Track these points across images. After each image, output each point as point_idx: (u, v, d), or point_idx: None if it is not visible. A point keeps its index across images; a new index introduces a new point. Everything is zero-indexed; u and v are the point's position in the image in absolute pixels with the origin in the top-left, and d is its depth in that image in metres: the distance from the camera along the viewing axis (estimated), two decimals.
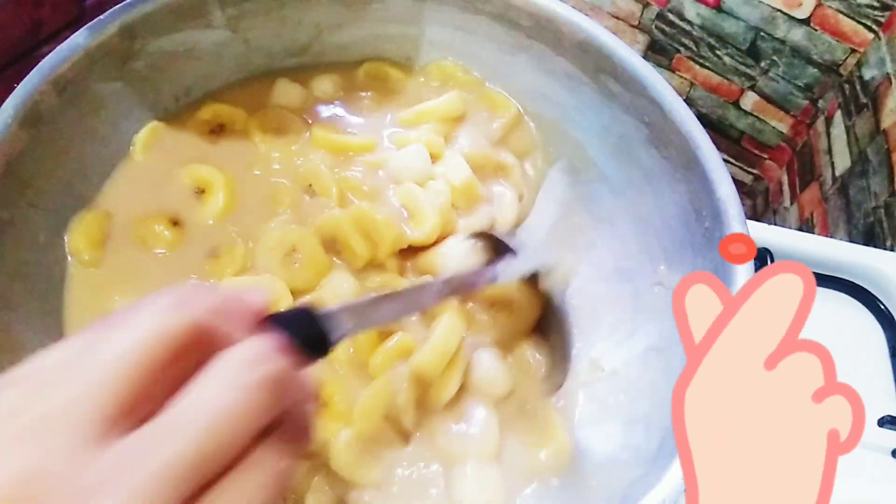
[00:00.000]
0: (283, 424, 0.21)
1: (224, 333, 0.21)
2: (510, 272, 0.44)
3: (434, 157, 0.53)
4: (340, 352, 0.45)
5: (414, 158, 0.52)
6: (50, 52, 0.46)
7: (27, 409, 0.18)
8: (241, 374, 0.19)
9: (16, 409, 0.18)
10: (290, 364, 0.21)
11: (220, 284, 0.23)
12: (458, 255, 0.49)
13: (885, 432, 0.56)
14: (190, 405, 0.19)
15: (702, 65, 1.27)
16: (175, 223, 0.49)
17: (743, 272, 0.41)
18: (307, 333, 0.25)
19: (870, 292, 0.65)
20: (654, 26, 1.27)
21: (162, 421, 0.18)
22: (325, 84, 0.58)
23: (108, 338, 0.19)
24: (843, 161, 1.05)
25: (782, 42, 1.14)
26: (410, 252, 0.50)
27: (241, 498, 0.19)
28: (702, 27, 1.21)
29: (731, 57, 1.22)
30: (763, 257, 0.64)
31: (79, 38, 0.47)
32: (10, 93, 0.44)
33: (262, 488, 0.19)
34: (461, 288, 0.42)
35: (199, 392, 0.19)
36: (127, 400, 0.18)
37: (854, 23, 1.05)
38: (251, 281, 0.46)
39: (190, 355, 0.20)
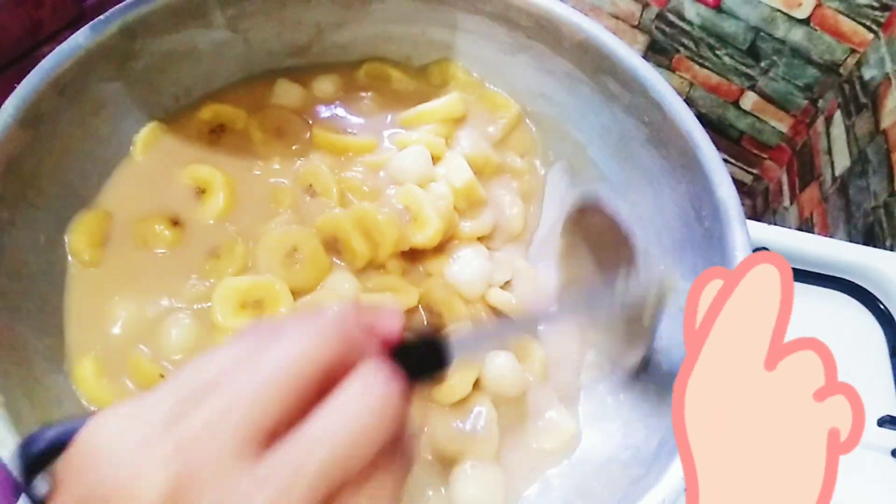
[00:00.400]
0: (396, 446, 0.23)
1: (360, 353, 0.22)
2: (628, 299, 0.40)
3: (435, 159, 0.53)
4: None
5: (415, 160, 0.52)
6: (50, 52, 0.46)
7: (187, 418, 0.19)
8: (369, 398, 0.21)
9: (175, 417, 0.19)
10: (405, 394, 0.23)
11: (365, 304, 0.26)
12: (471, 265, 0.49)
13: (885, 432, 0.56)
14: (329, 424, 0.20)
15: (702, 65, 1.27)
16: (175, 223, 0.49)
17: None
18: (428, 359, 0.27)
19: (869, 292, 0.65)
20: (654, 26, 1.27)
21: (305, 436, 0.20)
22: (325, 84, 0.58)
23: (267, 351, 0.21)
24: (842, 161, 1.05)
25: (782, 42, 1.14)
26: (412, 254, 0.50)
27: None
28: (702, 27, 1.21)
29: (731, 57, 1.22)
30: None
31: (79, 39, 0.47)
32: (11, 93, 0.44)
33: (391, 495, 0.21)
34: (567, 317, 0.44)
35: (337, 411, 0.20)
36: (279, 415, 0.20)
37: (854, 23, 1.05)
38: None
39: (339, 371, 0.21)
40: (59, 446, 0.20)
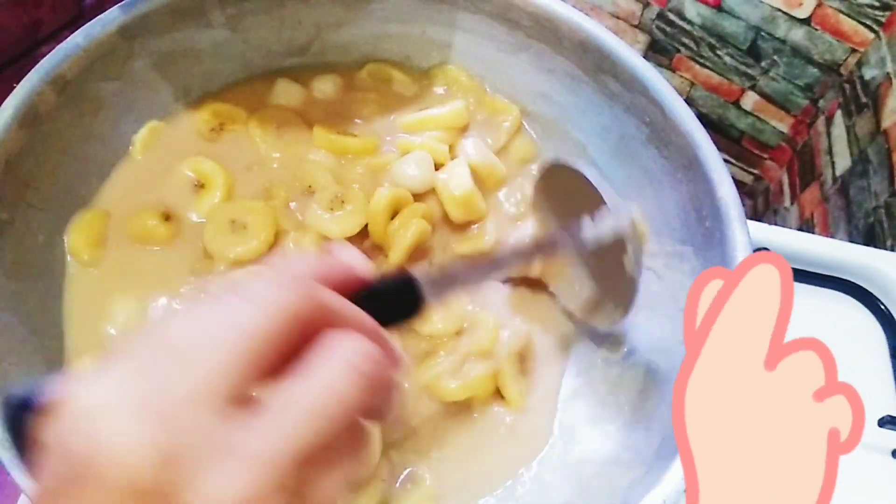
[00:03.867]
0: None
1: (337, 309, 0.23)
2: (597, 234, 0.41)
3: (438, 165, 0.53)
4: None
5: (418, 165, 0.51)
6: (49, 51, 0.46)
7: (165, 385, 0.19)
8: (351, 368, 0.21)
9: (153, 385, 0.19)
10: (388, 361, 0.23)
11: (329, 252, 0.26)
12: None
13: (885, 432, 0.56)
14: (307, 390, 0.20)
15: (702, 64, 1.27)
16: (173, 221, 0.49)
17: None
18: (407, 299, 0.27)
19: (870, 292, 0.65)
20: (654, 26, 1.27)
21: (283, 400, 0.20)
22: (326, 84, 0.58)
23: (234, 310, 0.21)
24: (843, 161, 1.05)
25: (783, 42, 1.14)
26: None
27: (345, 465, 0.21)
28: (702, 27, 1.21)
29: (732, 57, 1.22)
30: None
31: (78, 38, 0.46)
32: (10, 93, 0.44)
33: (356, 458, 0.22)
34: (545, 253, 0.42)
35: (315, 378, 0.21)
36: (253, 374, 0.20)
37: (854, 22, 1.05)
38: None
39: (305, 329, 0.21)
40: (30, 405, 0.21)
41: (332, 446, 0.21)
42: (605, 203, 0.41)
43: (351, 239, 0.49)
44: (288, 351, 0.21)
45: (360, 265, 0.26)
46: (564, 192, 0.46)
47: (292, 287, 0.22)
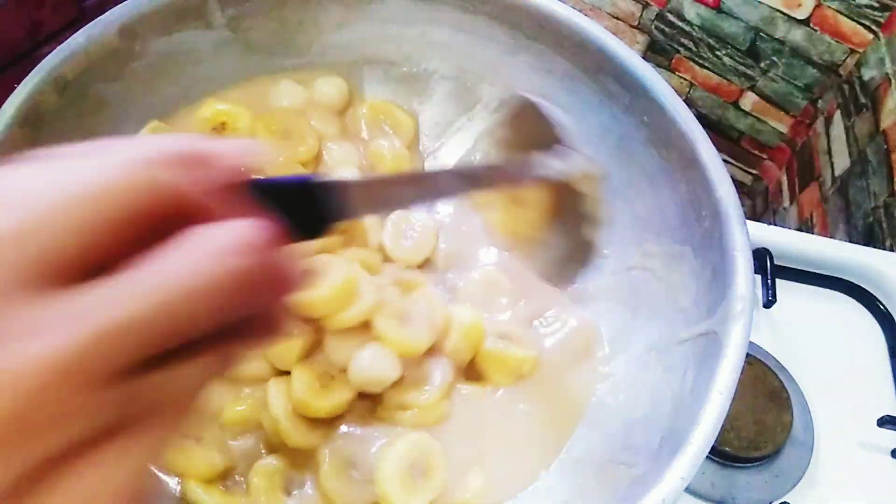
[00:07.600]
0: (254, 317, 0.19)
1: (203, 205, 0.18)
2: (554, 169, 0.37)
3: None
4: None
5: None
6: (50, 52, 0.46)
7: None
8: (223, 255, 0.16)
9: None
10: (276, 256, 0.18)
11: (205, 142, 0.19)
12: None
13: (885, 432, 0.56)
14: (156, 271, 0.16)
15: (701, 65, 1.27)
16: None
17: (743, 274, 0.41)
18: (303, 208, 0.21)
19: (869, 292, 0.65)
20: (653, 26, 1.27)
21: (121, 279, 0.15)
22: (329, 87, 0.58)
23: (61, 172, 0.16)
24: (842, 161, 1.05)
25: (782, 42, 1.14)
26: None
27: (188, 383, 0.17)
28: (701, 27, 1.21)
29: (731, 57, 1.22)
30: (763, 257, 0.64)
31: (79, 39, 0.47)
32: (11, 93, 0.44)
33: (206, 377, 0.17)
34: (490, 180, 0.35)
35: (169, 260, 0.16)
36: (72, 249, 0.15)
37: (853, 23, 1.05)
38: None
39: (158, 223, 0.16)
40: None
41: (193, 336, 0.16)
42: (563, 144, 0.39)
43: None
44: (132, 241, 0.16)
45: (244, 154, 0.20)
46: (529, 131, 0.43)
47: (140, 166, 0.16)
